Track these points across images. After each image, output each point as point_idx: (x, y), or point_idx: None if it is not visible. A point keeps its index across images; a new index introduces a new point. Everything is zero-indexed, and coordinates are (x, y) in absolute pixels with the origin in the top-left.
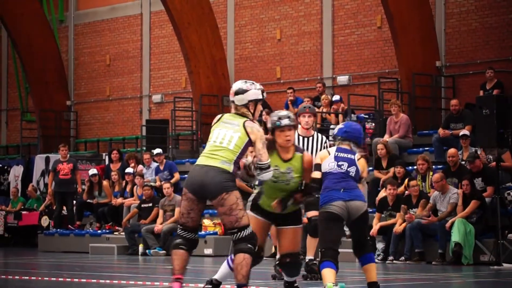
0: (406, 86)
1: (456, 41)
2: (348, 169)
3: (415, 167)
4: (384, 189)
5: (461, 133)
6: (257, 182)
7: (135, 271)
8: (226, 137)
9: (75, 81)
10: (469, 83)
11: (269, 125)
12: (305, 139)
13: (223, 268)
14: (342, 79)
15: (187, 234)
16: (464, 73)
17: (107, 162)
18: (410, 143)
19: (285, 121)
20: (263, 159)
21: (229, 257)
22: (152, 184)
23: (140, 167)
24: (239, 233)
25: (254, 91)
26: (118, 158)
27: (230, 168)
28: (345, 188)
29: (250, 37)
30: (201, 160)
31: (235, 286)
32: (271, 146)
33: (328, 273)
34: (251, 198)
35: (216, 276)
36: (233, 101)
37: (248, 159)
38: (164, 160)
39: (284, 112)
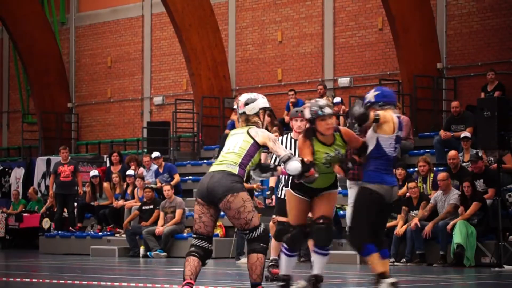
0: (407, 88)
1: (457, 43)
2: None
3: (416, 169)
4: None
5: (462, 135)
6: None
7: (136, 273)
8: (233, 143)
9: (76, 83)
10: (470, 85)
11: (308, 115)
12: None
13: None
14: (343, 81)
15: (201, 242)
16: (465, 75)
17: (108, 164)
18: (411, 145)
19: (327, 110)
20: (280, 153)
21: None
22: (153, 186)
23: (141, 169)
24: (251, 234)
25: (262, 99)
26: (119, 160)
27: (236, 170)
28: (391, 174)
29: (251, 39)
30: (211, 168)
31: (250, 285)
32: (310, 135)
33: (378, 260)
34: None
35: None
36: (243, 113)
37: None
38: (163, 163)
39: (323, 102)
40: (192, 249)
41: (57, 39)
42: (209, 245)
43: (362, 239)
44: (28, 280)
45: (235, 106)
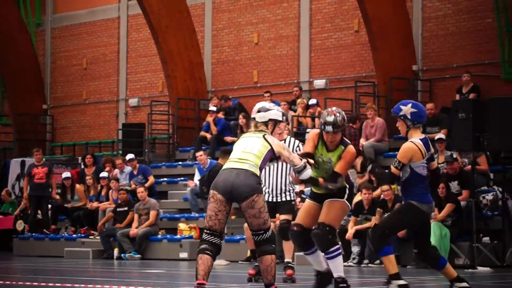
0: (383, 90)
1: (433, 45)
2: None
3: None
4: (359, 193)
5: (436, 137)
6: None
7: (110, 275)
8: (250, 145)
9: (51, 85)
10: (446, 87)
11: (319, 125)
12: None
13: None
14: (319, 83)
15: (213, 238)
16: (441, 77)
17: (82, 166)
18: (386, 147)
19: (328, 128)
20: (296, 163)
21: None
22: (127, 188)
23: (116, 171)
24: (264, 235)
25: (276, 111)
26: (93, 162)
27: (257, 172)
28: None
29: (227, 40)
30: (230, 165)
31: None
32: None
33: (394, 261)
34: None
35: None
36: (254, 118)
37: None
38: (138, 165)
39: (331, 118)
40: (205, 246)
41: (32, 41)
42: (220, 241)
43: (384, 241)
44: (2, 282)
45: (211, 108)
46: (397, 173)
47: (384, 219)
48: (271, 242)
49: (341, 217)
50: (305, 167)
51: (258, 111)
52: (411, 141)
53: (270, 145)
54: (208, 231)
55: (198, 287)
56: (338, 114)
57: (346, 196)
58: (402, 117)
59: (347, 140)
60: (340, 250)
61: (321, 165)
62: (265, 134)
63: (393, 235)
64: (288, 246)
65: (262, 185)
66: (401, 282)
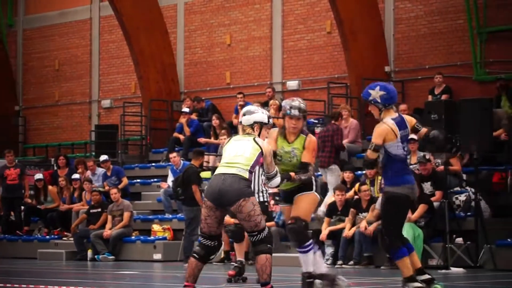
0: (355, 91)
1: (405, 46)
2: (407, 150)
3: (364, 171)
4: (333, 194)
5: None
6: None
7: (83, 277)
8: (241, 149)
9: (23, 86)
10: (418, 88)
11: (282, 112)
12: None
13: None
14: (292, 84)
15: (205, 241)
16: (413, 78)
17: (55, 168)
18: (359, 148)
19: (294, 112)
20: (271, 170)
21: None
22: (101, 189)
23: (88, 172)
24: (259, 236)
25: (261, 114)
26: (65, 164)
27: (246, 174)
28: (410, 173)
29: (200, 42)
30: (219, 170)
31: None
32: (281, 131)
33: (408, 264)
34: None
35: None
36: (240, 122)
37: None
38: (111, 166)
39: (296, 103)
40: (196, 249)
41: (4, 42)
42: (213, 242)
43: (396, 245)
44: None
45: (184, 109)
46: (373, 156)
47: (382, 224)
48: (266, 242)
49: (312, 210)
50: (275, 174)
51: (244, 115)
52: (382, 122)
53: (261, 148)
54: (200, 233)
55: None
56: (301, 101)
57: (314, 187)
58: (372, 102)
59: (306, 129)
60: (312, 245)
61: (283, 157)
62: (254, 137)
63: (400, 232)
64: (239, 248)
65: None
66: (417, 284)
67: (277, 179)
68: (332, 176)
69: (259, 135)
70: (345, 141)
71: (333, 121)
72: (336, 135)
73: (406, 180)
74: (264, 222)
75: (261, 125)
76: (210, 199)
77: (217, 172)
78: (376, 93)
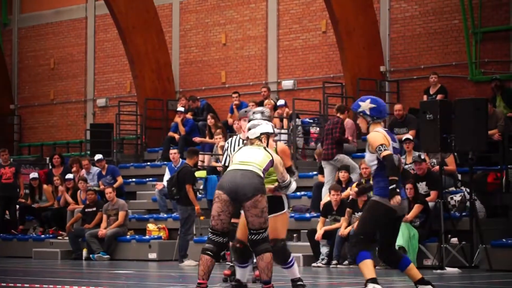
0: (350, 91)
1: (400, 46)
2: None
3: (359, 171)
4: (328, 194)
5: (404, 137)
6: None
7: (79, 276)
8: (253, 154)
9: (19, 85)
10: (413, 88)
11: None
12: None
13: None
14: (287, 83)
15: (217, 237)
16: (408, 78)
17: (50, 167)
18: (354, 148)
19: (256, 116)
20: (285, 178)
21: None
22: (96, 188)
23: (83, 171)
24: (263, 234)
25: (265, 125)
26: (60, 163)
27: (261, 174)
28: (401, 187)
29: (195, 41)
30: (233, 167)
31: (262, 284)
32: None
33: (371, 266)
34: None
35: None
36: (248, 138)
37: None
38: (106, 165)
39: (259, 109)
40: (207, 245)
41: None
42: (224, 239)
43: (359, 247)
44: None
45: (179, 109)
46: (390, 152)
47: (357, 225)
48: (268, 241)
49: (286, 227)
50: (290, 182)
51: (249, 129)
52: (374, 131)
53: (272, 156)
54: (211, 230)
55: (198, 286)
56: (265, 108)
57: (286, 205)
58: (361, 113)
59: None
60: (293, 258)
61: None
62: (265, 147)
63: (370, 239)
64: None
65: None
66: (377, 286)
67: (293, 186)
68: (342, 163)
69: (267, 145)
70: None
71: (338, 114)
72: (335, 128)
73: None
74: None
75: (268, 135)
76: (227, 193)
77: (231, 168)
78: (366, 105)
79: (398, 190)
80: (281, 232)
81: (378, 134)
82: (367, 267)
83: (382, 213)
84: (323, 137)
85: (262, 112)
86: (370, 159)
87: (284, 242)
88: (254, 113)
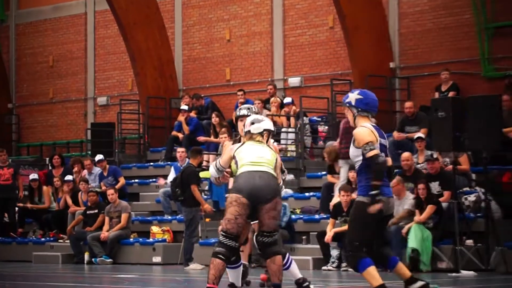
0: (359, 88)
1: (410, 42)
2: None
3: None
4: (338, 194)
5: (416, 136)
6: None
7: (80, 281)
8: (260, 152)
9: (16, 83)
10: (424, 85)
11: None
12: None
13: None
14: (294, 80)
15: (230, 242)
16: (419, 74)
17: (50, 167)
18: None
19: (243, 112)
20: (280, 180)
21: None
22: (97, 189)
23: (84, 172)
24: (274, 236)
25: (269, 122)
26: (60, 163)
27: (275, 175)
28: (388, 186)
29: (198, 37)
30: (248, 168)
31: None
32: (237, 141)
33: (375, 273)
34: None
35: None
36: (249, 131)
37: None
38: (108, 166)
39: (245, 105)
40: (219, 249)
41: None
42: (236, 244)
43: (358, 256)
44: None
45: (183, 107)
46: (378, 152)
47: (348, 231)
48: (277, 244)
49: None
50: (282, 186)
51: (252, 123)
52: (360, 126)
53: (276, 155)
54: (224, 234)
55: None
56: (252, 105)
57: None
58: (347, 104)
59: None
60: (290, 258)
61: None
62: (267, 145)
63: (366, 244)
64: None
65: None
66: None
67: (283, 189)
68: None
69: (266, 142)
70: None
71: None
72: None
73: (383, 192)
74: None
75: (269, 132)
76: (247, 196)
77: (246, 170)
78: (353, 96)
79: (379, 198)
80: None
81: (365, 130)
82: (372, 275)
83: (369, 214)
84: (340, 135)
85: (248, 108)
86: (354, 154)
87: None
88: (240, 109)
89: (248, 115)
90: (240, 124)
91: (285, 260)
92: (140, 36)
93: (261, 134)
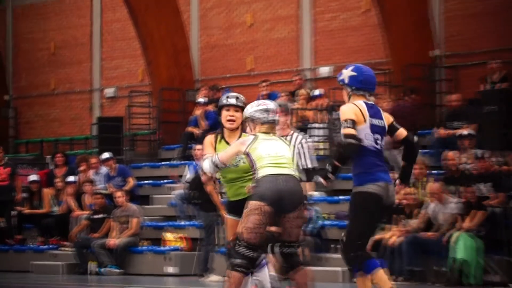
0: (397, 79)
1: (455, 27)
2: (382, 144)
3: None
4: None
5: (465, 133)
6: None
7: None
8: (279, 148)
9: (14, 73)
10: (471, 76)
11: (219, 105)
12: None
13: None
14: (324, 70)
15: (250, 252)
16: (465, 63)
17: (51, 167)
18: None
19: (232, 100)
20: None
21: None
22: (104, 191)
23: (90, 172)
24: (298, 246)
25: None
26: (64, 162)
27: (297, 176)
28: (386, 171)
29: (217, 22)
30: (271, 171)
31: None
32: (219, 133)
33: (385, 276)
34: None
35: None
36: (273, 121)
37: None
38: (115, 165)
39: (234, 94)
40: (238, 261)
41: None
42: (255, 254)
43: (360, 256)
44: None
45: (199, 100)
46: (352, 132)
47: (347, 229)
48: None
49: None
50: None
51: (266, 110)
52: (350, 102)
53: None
54: (242, 243)
55: None
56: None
57: None
58: (341, 82)
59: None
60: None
61: (238, 163)
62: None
63: (367, 240)
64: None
65: None
66: None
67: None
68: None
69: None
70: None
71: (406, 97)
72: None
73: (379, 177)
74: None
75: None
76: (271, 204)
77: (268, 173)
78: (347, 73)
79: (330, 176)
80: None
81: (349, 107)
82: (384, 280)
83: (368, 202)
84: None
85: (237, 98)
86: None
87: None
88: (228, 97)
89: (238, 105)
90: (225, 113)
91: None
92: (152, 21)
93: (275, 125)
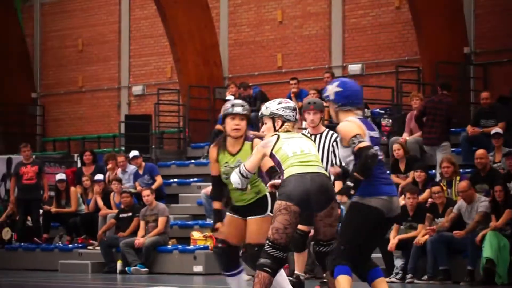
0: (428, 76)
1: (487, 24)
2: (381, 155)
3: (434, 171)
4: (402, 196)
5: (492, 131)
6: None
7: None
8: (303, 146)
9: (41, 70)
10: (504, 73)
11: (222, 113)
12: (313, 137)
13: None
14: (354, 68)
15: (277, 252)
16: (497, 61)
17: (79, 165)
18: None
19: (238, 109)
20: None
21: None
22: (132, 190)
23: (118, 170)
24: (332, 245)
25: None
26: (92, 160)
27: (327, 175)
28: (389, 183)
29: (246, 19)
30: (297, 170)
31: None
32: (221, 143)
33: (346, 285)
34: None
35: None
36: (295, 120)
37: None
38: (143, 163)
39: (238, 101)
40: (265, 260)
41: (19, 18)
42: (284, 254)
43: (338, 261)
44: None
45: (228, 97)
46: (369, 144)
47: (340, 234)
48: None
49: (267, 232)
50: None
51: (287, 108)
52: (345, 120)
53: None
54: (271, 244)
55: None
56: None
57: (269, 207)
58: (326, 99)
59: (249, 134)
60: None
61: (230, 174)
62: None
63: (355, 251)
64: (299, 259)
65: None
66: None
67: None
68: (445, 154)
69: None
70: (416, 135)
71: (444, 92)
72: (446, 107)
73: (383, 190)
74: None
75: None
76: (297, 203)
77: (295, 172)
78: (332, 88)
79: (352, 192)
80: (257, 237)
81: (349, 124)
82: (342, 285)
83: (365, 215)
84: (427, 118)
85: (243, 106)
86: (344, 154)
87: (256, 250)
88: (234, 106)
89: (244, 114)
90: (230, 122)
91: (238, 269)
92: (181, 17)
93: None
